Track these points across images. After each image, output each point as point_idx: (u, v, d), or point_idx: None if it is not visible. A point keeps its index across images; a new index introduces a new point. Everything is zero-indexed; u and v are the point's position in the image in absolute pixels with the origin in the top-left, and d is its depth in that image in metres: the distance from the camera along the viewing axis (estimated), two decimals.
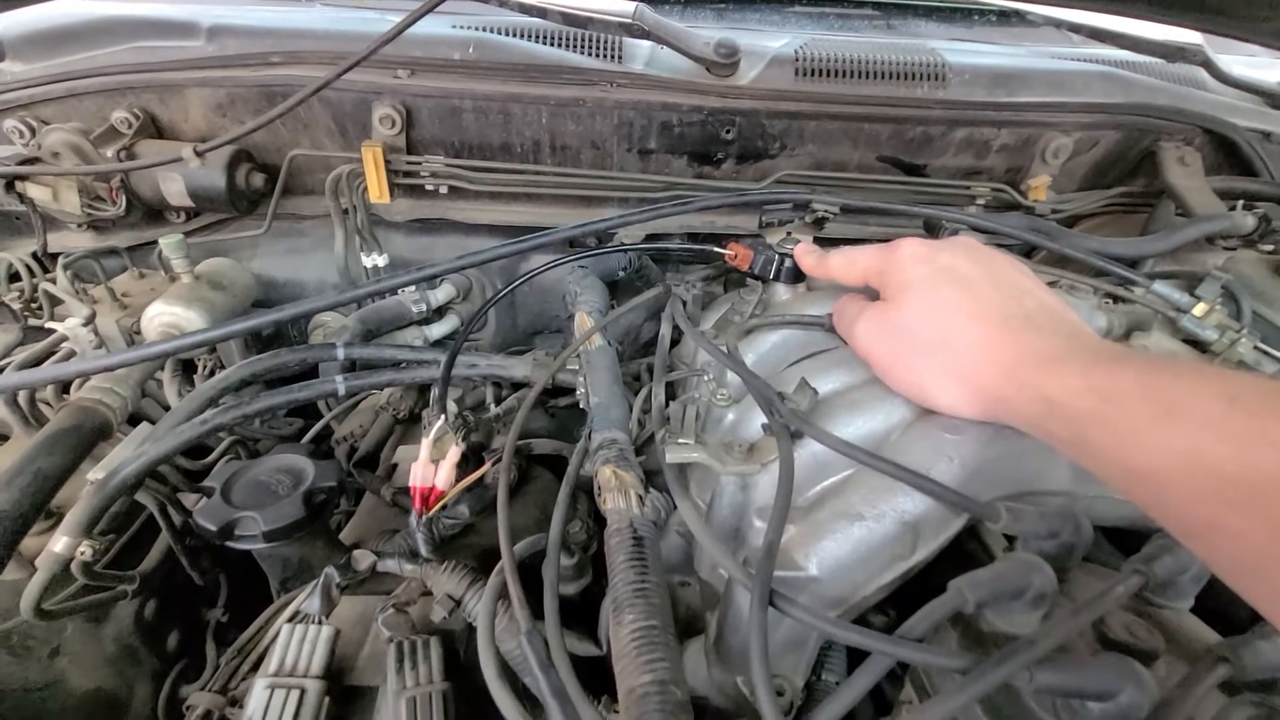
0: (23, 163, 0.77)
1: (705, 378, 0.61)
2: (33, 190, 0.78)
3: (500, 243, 0.81)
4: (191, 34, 0.87)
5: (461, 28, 0.86)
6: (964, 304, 0.45)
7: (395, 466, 0.67)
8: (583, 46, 0.90)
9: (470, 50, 0.84)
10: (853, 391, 0.53)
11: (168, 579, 0.71)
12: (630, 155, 0.85)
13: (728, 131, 0.83)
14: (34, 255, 0.86)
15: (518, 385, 0.78)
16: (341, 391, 0.63)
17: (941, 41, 0.95)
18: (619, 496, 0.48)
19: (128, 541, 0.69)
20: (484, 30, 0.86)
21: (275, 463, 0.54)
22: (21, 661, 0.58)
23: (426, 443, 0.51)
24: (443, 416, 0.51)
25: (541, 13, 0.87)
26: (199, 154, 0.73)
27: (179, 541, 0.66)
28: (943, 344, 0.45)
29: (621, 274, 0.88)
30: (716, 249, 0.66)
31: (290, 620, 0.46)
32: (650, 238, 0.88)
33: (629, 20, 0.86)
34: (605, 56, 0.89)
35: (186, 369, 0.83)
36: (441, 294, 0.95)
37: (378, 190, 0.81)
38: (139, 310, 0.76)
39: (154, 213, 0.90)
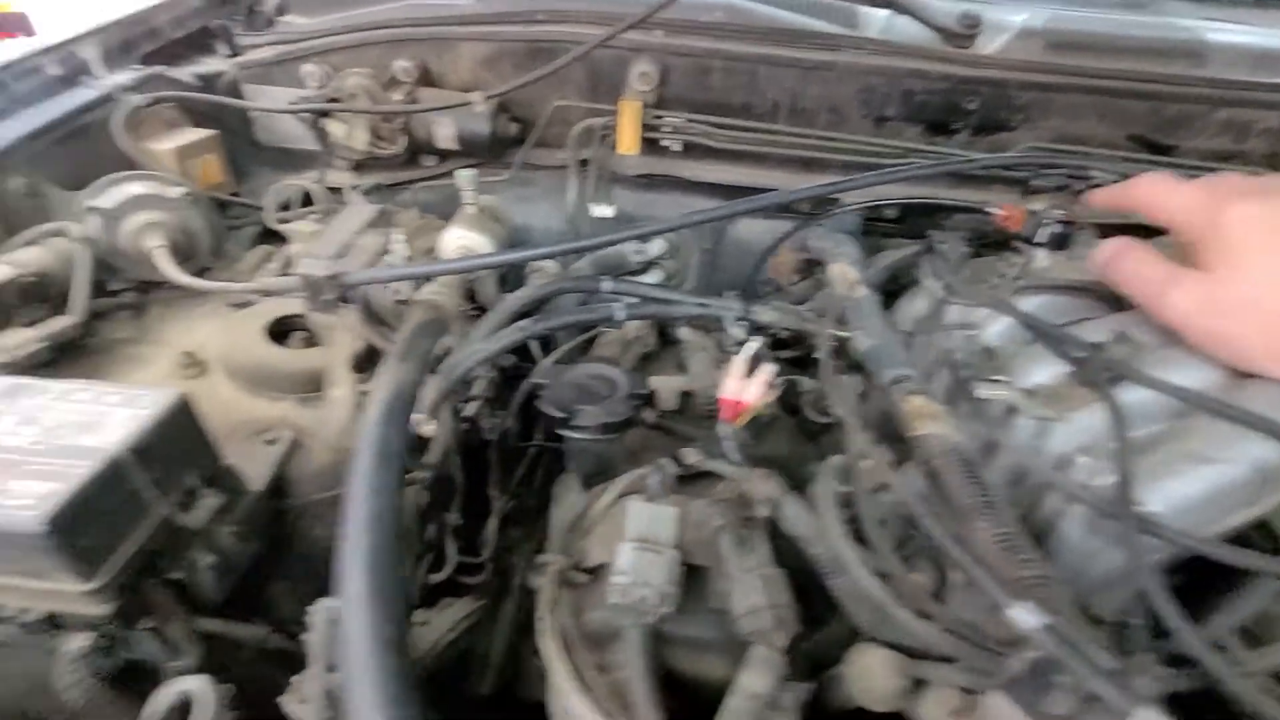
0: (327, 101, 0.88)
1: (971, 332, 0.63)
2: (331, 126, 0.88)
3: (719, 204, 0.86)
4: None
5: None
6: None
7: (653, 393, 0.73)
8: (818, 12, 0.92)
9: (718, 14, 0.89)
10: (1158, 350, 0.53)
11: (435, 477, 0.79)
12: (865, 121, 0.87)
13: (970, 101, 0.83)
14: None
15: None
16: (621, 318, 0.69)
17: (1194, 20, 0.91)
18: (933, 423, 0.50)
19: None
20: None
21: (588, 370, 0.60)
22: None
23: (741, 359, 0.55)
24: (758, 337, 0.55)
25: None
26: (487, 100, 0.81)
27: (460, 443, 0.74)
28: None
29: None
30: (990, 208, 0.67)
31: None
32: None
33: None
34: (838, 24, 0.92)
35: None
36: (655, 248, 1.01)
37: (629, 142, 0.87)
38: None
39: (411, 157, 0.99)
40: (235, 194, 0.97)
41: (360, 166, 1.02)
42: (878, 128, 0.88)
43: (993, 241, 0.74)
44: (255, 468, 0.59)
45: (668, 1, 0.75)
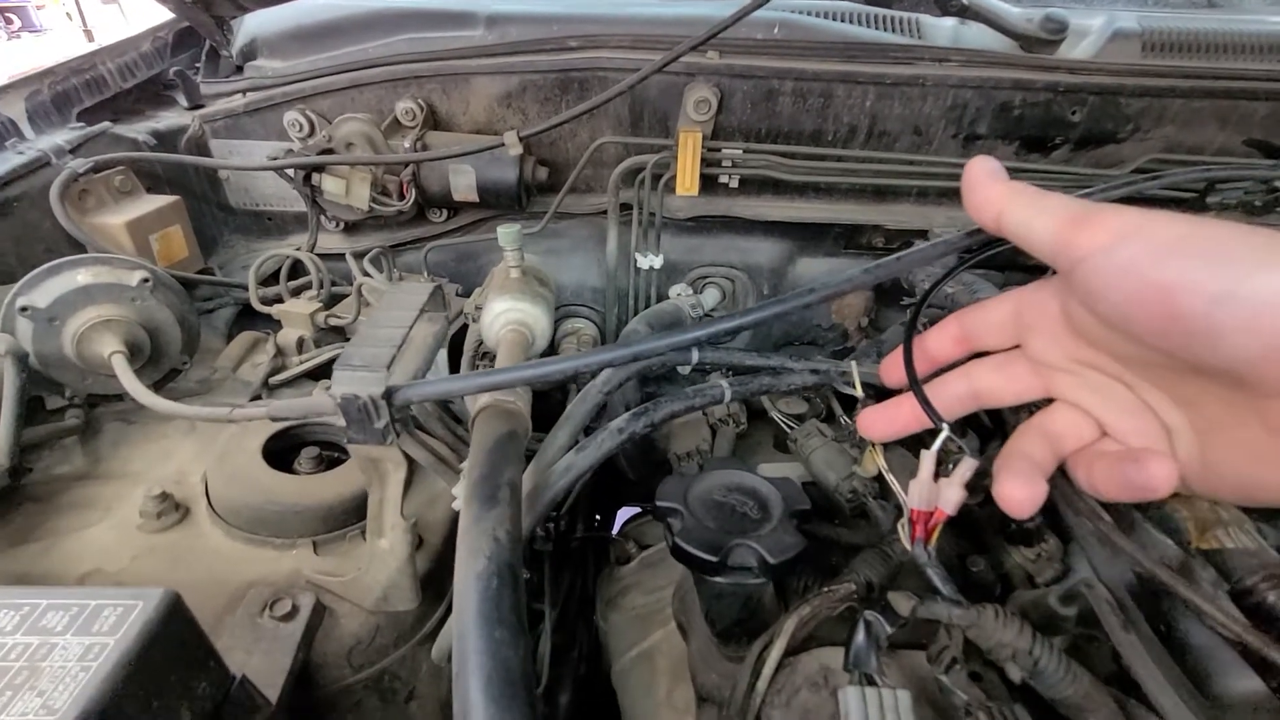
0: (319, 153, 0.72)
1: None
2: (327, 183, 0.73)
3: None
4: (469, 23, 0.83)
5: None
6: None
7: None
8: (880, 25, 0.82)
9: (775, 30, 0.77)
10: None
11: None
12: (953, 141, 0.76)
13: (1074, 113, 0.73)
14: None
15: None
16: (728, 398, 0.55)
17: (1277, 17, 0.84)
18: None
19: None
20: (782, 10, 0.79)
21: (721, 480, 0.45)
22: (387, 707, 0.50)
23: (929, 456, 0.41)
24: (946, 425, 0.41)
25: None
26: (522, 139, 0.67)
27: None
28: None
29: None
30: None
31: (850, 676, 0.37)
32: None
33: None
34: (904, 36, 0.82)
35: None
36: (709, 299, 0.87)
37: (688, 181, 0.73)
38: None
39: (417, 213, 0.84)
40: (206, 270, 0.80)
41: (353, 228, 0.86)
42: (967, 147, 0.77)
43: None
44: (269, 660, 0.42)
45: (735, 17, 0.63)
